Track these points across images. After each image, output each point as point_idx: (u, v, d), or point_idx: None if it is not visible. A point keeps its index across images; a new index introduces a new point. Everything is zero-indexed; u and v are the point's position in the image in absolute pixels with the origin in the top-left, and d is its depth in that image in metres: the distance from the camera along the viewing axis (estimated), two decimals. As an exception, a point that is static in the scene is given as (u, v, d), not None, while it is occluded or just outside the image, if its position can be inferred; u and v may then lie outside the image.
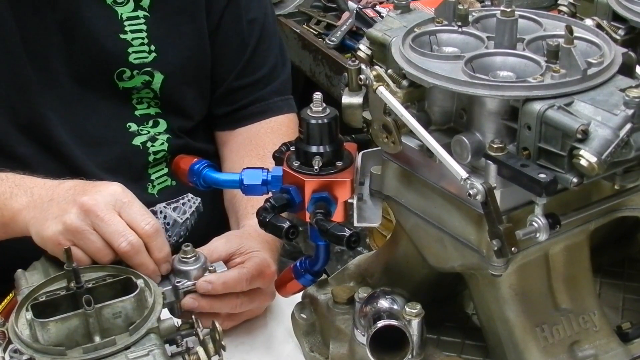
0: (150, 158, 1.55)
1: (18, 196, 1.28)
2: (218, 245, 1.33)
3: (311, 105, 1.09)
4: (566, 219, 0.99)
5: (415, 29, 1.06)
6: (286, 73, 1.71)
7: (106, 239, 1.19)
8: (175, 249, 1.53)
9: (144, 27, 1.50)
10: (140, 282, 1.14)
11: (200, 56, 1.58)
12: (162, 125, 1.56)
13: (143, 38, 1.50)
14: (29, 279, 1.19)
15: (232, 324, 1.31)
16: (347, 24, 2.70)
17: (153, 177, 1.57)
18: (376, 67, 1.04)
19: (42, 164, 1.47)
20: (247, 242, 1.34)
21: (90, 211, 1.19)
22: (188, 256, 1.25)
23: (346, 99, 1.05)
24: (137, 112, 1.54)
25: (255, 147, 1.60)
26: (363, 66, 1.03)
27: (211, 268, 1.26)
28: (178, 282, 1.24)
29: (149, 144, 1.54)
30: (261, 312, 1.35)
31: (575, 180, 0.91)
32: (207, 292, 1.24)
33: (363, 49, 1.11)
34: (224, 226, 1.54)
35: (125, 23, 1.48)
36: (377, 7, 2.70)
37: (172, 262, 1.25)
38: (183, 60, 1.55)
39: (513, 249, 0.93)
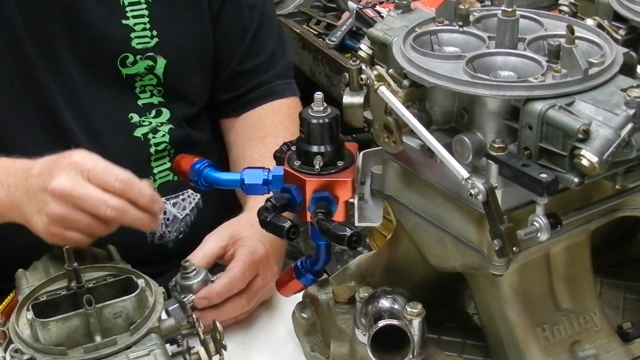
0: (152, 150, 1.55)
1: None
2: (209, 245, 1.36)
3: (312, 105, 1.09)
4: (567, 219, 0.99)
5: (416, 29, 1.06)
6: (287, 58, 1.71)
7: (90, 213, 1.19)
8: (175, 244, 1.54)
9: (145, 12, 1.50)
10: (141, 282, 1.14)
11: (203, 41, 1.59)
12: (165, 114, 1.56)
13: (145, 23, 1.50)
14: (30, 279, 1.19)
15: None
16: (347, 24, 2.70)
17: (155, 170, 1.56)
18: (377, 66, 1.04)
19: (42, 155, 1.47)
20: (237, 230, 1.37)
21: (63, 194, 1.19)
22: (189, 271, 1.28)
23: (347, 99, 1.05)
24: (139, 102, 1.54)
25: (256, 130, 1.61)
26: (364, 66, 1.03)
27: (213, 279, 1.29)
28: (184, 297, 1.26)
29: (150, 135, 1.54)
30: (272, 292, 1.37)
31: (576, 180, 0.91)
32: (205, 307, 1.27)
33: (364, 48, 1.11)
34: (223, 222, 1.55)
35: (127, 8, 1.49)
36: (377, 7, 2.70)
37: (176, 279, 1.28)
38: (186, 45, 1.55)
39: (514, 248, 0.93)
